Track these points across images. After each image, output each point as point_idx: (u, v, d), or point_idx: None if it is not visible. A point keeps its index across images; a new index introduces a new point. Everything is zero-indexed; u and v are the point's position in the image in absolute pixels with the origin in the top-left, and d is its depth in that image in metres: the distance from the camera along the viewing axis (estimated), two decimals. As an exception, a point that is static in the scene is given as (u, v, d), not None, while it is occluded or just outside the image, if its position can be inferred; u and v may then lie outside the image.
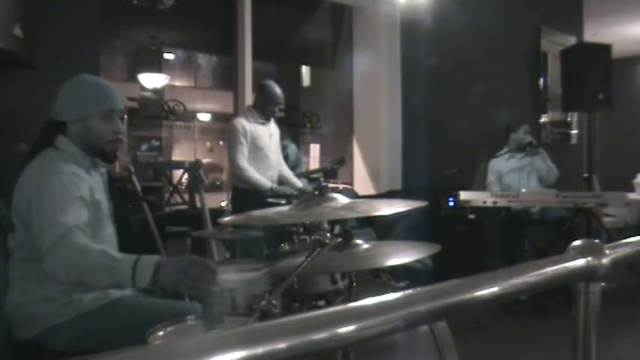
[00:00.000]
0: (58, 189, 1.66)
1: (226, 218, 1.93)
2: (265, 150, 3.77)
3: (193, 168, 2.89)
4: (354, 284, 1.86)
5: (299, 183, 3.96)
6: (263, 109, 3.79)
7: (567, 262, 0.96)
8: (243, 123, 3.71)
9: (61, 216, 1.60)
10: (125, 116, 1.98)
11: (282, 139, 4.32)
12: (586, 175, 4.83)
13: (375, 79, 5.26)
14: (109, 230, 1.90)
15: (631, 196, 5.51)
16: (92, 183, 1.82)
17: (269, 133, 3.84)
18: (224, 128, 6.90)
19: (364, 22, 5.38)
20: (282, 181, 3.90)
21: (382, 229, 4.46)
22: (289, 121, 5.24)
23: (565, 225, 4.31)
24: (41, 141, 1.82)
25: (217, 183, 7.75)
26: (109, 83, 1.91)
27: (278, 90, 3.79)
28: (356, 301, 0.68)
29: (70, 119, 1.81)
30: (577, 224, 4.29)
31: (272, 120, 3.89)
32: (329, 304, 2.07)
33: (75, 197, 1.68)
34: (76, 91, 1.83)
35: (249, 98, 4.37)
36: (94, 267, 1.54)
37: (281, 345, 0.57)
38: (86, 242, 1.59)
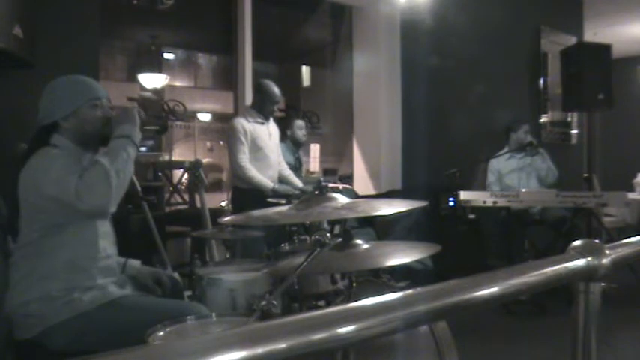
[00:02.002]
0: (62, 163, 1.72)
1: (226, 218, 1.93)
2: (265, 150, 3.77)
3: (193, 168, 2.89)
4: (354, 284, 1.87)
5: (299, 183, 3.96)
6: (261, 108, 3.79)
7: (567, 262, 0.96)
8: (243, 123, 3.71)
9: (70, 174, 1.69)
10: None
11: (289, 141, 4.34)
12: (586, 175, 4.83)
13: (375, 79, 5.26)
14: (106, 228, 1.90)
15: (631, 196, 5.51)
16: None
17: (268, 133, 3.83)
18: (224, 128, 6.90)
19: (364, 22, 5.38)
20: (282, 181, 3.89)
21: (382, 229, 4.46)
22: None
23: (565, 225, 4.31)
24: (37, 142, 1.83)
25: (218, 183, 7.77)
26: (84, 76, 1.96)
27: (276, 89, 3.78)
28: (356, 301, 0.68)
29: (61, 116, 1.83)
30: (577, 224, 4.29)
31: (271, 120, 3.88)
32: (329, 304, 2.07)
33: (77, 170, 1.73)
34: (59, 89, 1.86)
35: (249, 98, 4.37)
36: (119, 165, 1.71)
37: (281, 345, 0.57)
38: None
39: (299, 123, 4.45)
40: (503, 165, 4.75)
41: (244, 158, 3.68)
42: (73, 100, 1.84)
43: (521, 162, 4.73)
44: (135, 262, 2.07)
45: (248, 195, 3.64)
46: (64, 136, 1.83)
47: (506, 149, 4.76)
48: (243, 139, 3.68)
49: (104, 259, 1.85)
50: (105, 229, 1.88)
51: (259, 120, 3.77)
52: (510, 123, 4.84)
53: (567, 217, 4.32)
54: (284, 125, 4.34)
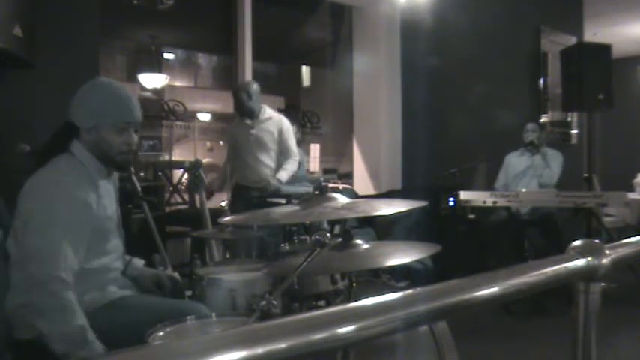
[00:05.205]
0: (62, 220, 1.65)
1: (226, 218, 1.93)
2: (242, 151, 3.86)
3: (193, 168, 2.89)
4: (354, 284, 1.86)
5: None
6: (239, 111, 3.83)
7: (567, 262, 0.96)
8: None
9: (53, 256, 1.60)
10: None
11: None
12: (586, 175, 4.83)
13: (375, 79, 5.25)
14: (114, 242, 1.88)
15: (631, 196, 5.51)
16: (102, 199, 1.80)
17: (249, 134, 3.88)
18: (224, 128, 6.88)
19: (364, 22, 5.37)
20: None
21: (382, 229, 4.46)
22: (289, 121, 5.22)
23: (551, 223, 4.35)
24: (55, 144, 1.78)
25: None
26: (128, 92, 1.84)
27: (241, 95, 3.76)
28: (356, 301, 0.68)
29: (83, 127, 1.78)
30: (577, 224, 4.30)
31: (262, 118, 3.88)
32: (329, 304, 2.07)
33: (73, 237, 1.66)
34: (93, 98, 1.79)
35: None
36: (61, 327, 1.57)
37: (281, 345, 0.57)
38: (71, 300, 1.59)
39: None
40: (515, 161, 4.82)
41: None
42: (99, 115, 1.76)
43: (530, 161, 4.77)
44: (139, 262, 2.07)
45: (248, 195, 3.64)
46: (83, 145, 1.79)
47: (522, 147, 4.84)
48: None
49: (108, 272, 1.84)
50: (112, 242, 1.86)
51: (245, 122, 3.81)
52: (523, 121, 4.91)
53: (555, 215, 4.34)
54: None
